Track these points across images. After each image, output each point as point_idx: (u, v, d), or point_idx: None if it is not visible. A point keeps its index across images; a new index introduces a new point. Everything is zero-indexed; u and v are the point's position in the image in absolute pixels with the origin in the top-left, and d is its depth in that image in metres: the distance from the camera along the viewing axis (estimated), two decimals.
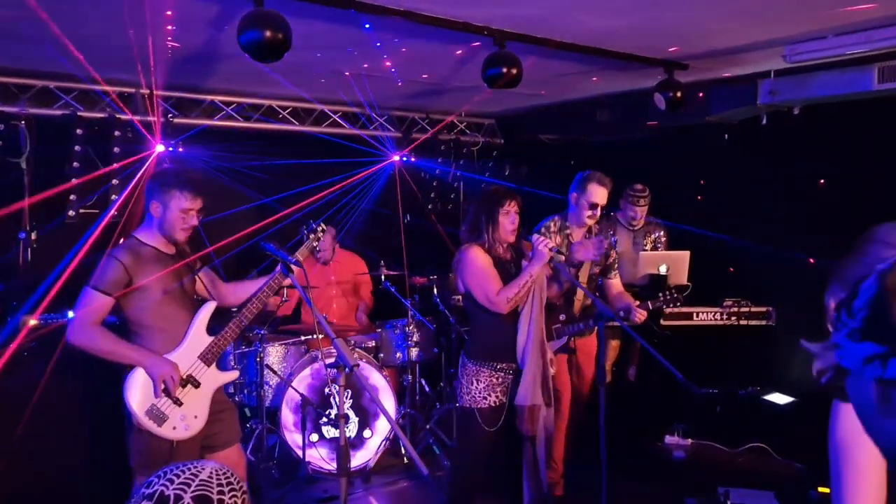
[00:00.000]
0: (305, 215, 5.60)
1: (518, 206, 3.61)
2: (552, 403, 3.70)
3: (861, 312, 1.00)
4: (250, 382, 5.17)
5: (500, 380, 3.59)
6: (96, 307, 3.01)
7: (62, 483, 4.21)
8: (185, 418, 3.09)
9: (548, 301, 4.04)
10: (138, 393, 3.03)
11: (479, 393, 3.57)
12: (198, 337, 3.20)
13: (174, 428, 3.06)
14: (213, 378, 3.23)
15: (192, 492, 1.40)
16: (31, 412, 4.26)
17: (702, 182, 6.07)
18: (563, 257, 3.77)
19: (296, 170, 5.99)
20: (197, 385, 3.15)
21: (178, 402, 3.07)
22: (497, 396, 3.59)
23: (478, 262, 3.56)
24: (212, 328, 3.28)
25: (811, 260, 5.30)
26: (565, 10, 3.57)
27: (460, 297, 6.00)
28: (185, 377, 3.11)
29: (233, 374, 3.43)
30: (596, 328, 4.50)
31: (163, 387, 3.02)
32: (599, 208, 4.18)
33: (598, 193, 4.15)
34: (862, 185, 5.05)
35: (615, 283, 4.45)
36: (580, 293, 4.28)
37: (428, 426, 5.52)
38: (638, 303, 4.21)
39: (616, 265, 4.47)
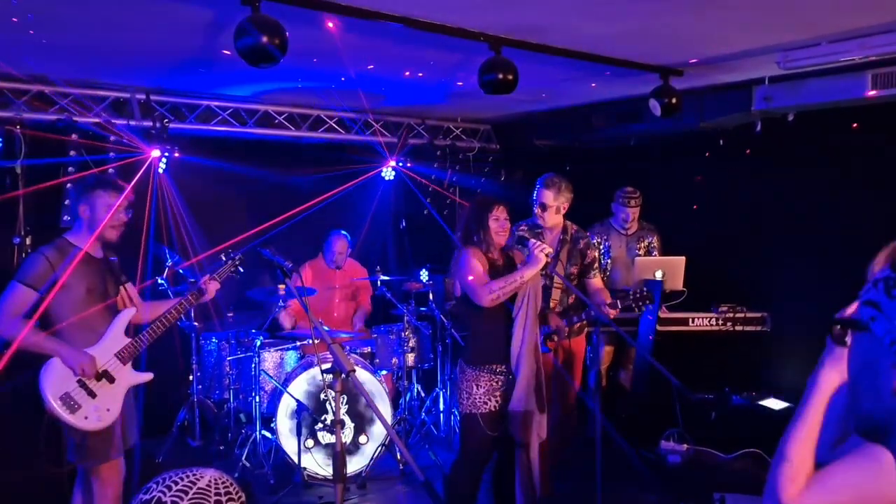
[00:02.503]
0: (304, 219, 5.62)
1: (506, 211, 3.72)
2: (545, 409, 3.71)
3: None
4: (246, 388, 5.16)
5: (499, 383, 3.62)
6: (19, 299, 3.17)
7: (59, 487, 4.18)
8: (99, 409, 3.25)
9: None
10: (52, 379, 3.19)
11: (480, 398, 3.58)
12: (116, 336, 3.38)
13: (86, 418, 3.21)
14: (128, 376, 3.41)
15: (190, 499, 1.39)
16: (22, 418, 4.24)
17: (697, 182, 6.08)
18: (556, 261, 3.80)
19: (291, 175, 6.00)
20: (112, 380, 3.32)
21: (91, 394, 3.23)
22: (497, 400, 3.61)
23: (472, 261, 3.63)
24: (129, 331, 3.46)
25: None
26: (561, 17, 3.59)
27: (454, 303, 6.02)
28: (100, 371, 3.27)
29: (147, 376, 3.52)
30: (585, 331, 4.53)
31: (80, 375, 3.19)
32: (552, 209, 4.30)
33: (544, 195, 4.30)
34: (855, 192, 5.06)
35: (594, 281, 4.48)
36: (556, 294, 4.38)
37: (424, 432, 5.51)
38: (609, 301, 4.23)
39: (596, 265, 4.49)
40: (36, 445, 3.42)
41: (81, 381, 3.23)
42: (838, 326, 1.10)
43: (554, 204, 4.30)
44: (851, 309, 1.13)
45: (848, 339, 1.10)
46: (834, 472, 1.20)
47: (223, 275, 3.73)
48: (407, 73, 4.94)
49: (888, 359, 0.98)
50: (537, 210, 4.36)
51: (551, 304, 4.39)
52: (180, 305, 3.55)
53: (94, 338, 3.34)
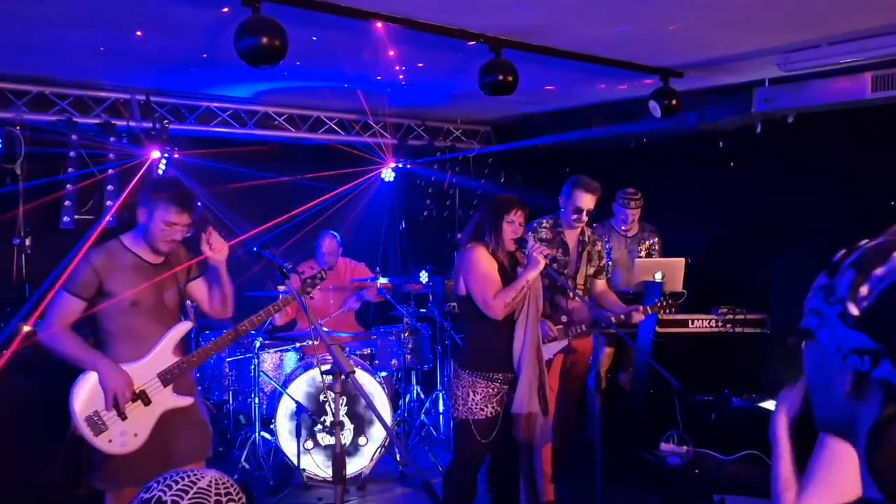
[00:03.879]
0: (304, 221, 5.63)
1: (524, 216, 3.60)
2: (549, 412, 3.67)
3: (866, 301, 0.95)
4: (245, 389, 5.15)
5: (496, 390, 3.55)
6: (64, 309, 2.98)
7: (54, 490, 4.17)
8: (125, 434, 2.99)
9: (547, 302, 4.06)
10: (83, 396, 2.96)
11: (476, 404, 3.52)
12: (163, 354, 3.10)
13: (110, 441, 2.97)
14: (167, 399, 3.10)
15: (190, 499, 1.39)
16: (25, 420, 4.24)
17: (696, 184, 6.08)
18: (555, 265, 3.76)
19: (290, 176, 6.00)
20: (147, 402, 3.04)
21: (122, 416, 2.98)
22: (493, 407, 3.54)
23: (482, 262, 3.52)
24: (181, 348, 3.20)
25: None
26: (561, 19, 3.59)
27: (454, 304, 6.00)
28: (137, 391, 3.01)
29: (186, 400, 3.18)
30: (592, 332, 4.53)
31: (113, 399, 2.94)
32: (585, 213, 4.24)
33: (584, 199, 4.21)
34: (855, 194, 5.06)
35: (600, 282, 4.51)
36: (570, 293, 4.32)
37: (423, 433, 5.51)
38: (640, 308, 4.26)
39: (608, 269, 4.51)
40: (53, 462, 3.16)
41: (115, 403, 2.96)
42: (791, 337, 1.13)
43: (589, 207, 4.23)
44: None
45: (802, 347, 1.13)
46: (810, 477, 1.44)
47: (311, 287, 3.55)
48: (407, 75, 4.94)
49: (836, 364, 1.00)
50: (572, 215, 4.23)
51: (571, 307, 4.35)
52: (267, 311, 3.27)
53: (140, 351, 3.05)
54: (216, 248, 3.14)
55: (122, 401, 2.95)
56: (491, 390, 3.54)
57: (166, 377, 3.08)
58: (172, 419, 3.12)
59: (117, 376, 2.96)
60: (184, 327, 3.19)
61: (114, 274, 3.00)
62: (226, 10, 3.35)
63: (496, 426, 3.55)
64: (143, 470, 3.04)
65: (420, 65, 4.65)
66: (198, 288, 3.30)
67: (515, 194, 3.78)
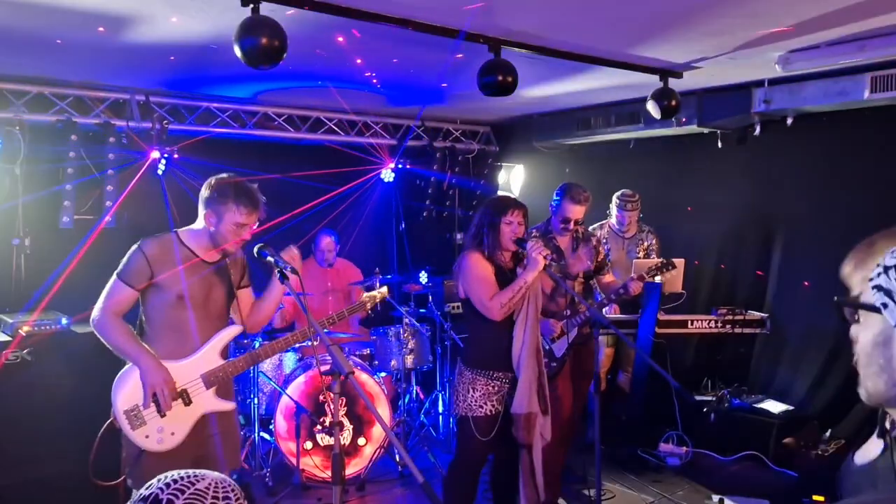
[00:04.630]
0: (303, 221, 5.62)
1: (523, 216, 3.61)
2: (549, 411, 3.68)
3: None
4: (244, 389, 5.15)
5: (496, 388, 3.58)
6: (117, 297, 2.95)
7: (58, 490, 4.16)
8: (162, 431, 2.96)
9: (551, 309, 4.06)
10: (126, 389, 2.94)
11: (476, 401, 3.56)
12: (209, 355, 3.07)
13: (147, 437, 2.95)
14: (208, 402, 3.07)
15: (185, 499, 1.39)
16: (27, 419, 4.23)
17: (695, 185, 6.08)
18: (555, 264, 3.77)
19: (290, 176, 5.99)
20: (188, 402, 3.02)
21: (161, 413, 2.95)
22: (493, 405, 3.57)
23: (477, 267, 3.56)
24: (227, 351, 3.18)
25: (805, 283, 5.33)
26: (560, 18, 3.59)
27: (455, 304, 6.01)
28: (178, 390, 2.99)
29: (229, 405, 3.17)
30: (591, 332, 4.53)
31: (153, 397, 2.93)
32: (573, 223, 4.26)
33: (572, 210, 4.22)
34: (854, 195, 5.07)
35: (607, 277, 4.55)
36: (578, 290, 4.34)
37: (422, 434, 5.51)
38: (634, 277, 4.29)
39: (607, 262, 4.53)
40: (86, 453, 2.99)
41: (155, 397, 2.93)
42: (850, 308, 1.16)
43: (577, 217, 4.25)
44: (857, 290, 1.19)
45: (858, 317, 1.17)
46: None
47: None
48: (407, 75, 4.94)
49: None
50: (560, 224, 4.27)
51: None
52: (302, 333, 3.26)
53: (186, 349, 3.03)
54: (295, 257, 3.14)
55: (161, 399, 2.92)
56: (491, 388, 3.57)
57: (210, 379, 3.06)
58: (211, 423, 3.09)
59: (158, 373, 2.92)
60: (234, 330, 3.16)
61: (167, 266, 2.97)
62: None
63: (495, 425, 3.57)
64: (178, 468, 3.06)
65: (418, 65, 4.65)
66: (242, 297, 3.28)
67: (511, 196, 3.79)
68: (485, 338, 3.63)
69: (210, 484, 1.43)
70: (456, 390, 3.66)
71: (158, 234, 3.06)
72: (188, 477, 1.44)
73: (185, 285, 2.98)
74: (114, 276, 2.98)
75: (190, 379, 3.03)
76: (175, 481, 1.42)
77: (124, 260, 2.98)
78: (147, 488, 1.43)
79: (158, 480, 1.44)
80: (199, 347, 3.06)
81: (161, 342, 3.02)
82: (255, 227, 3.10)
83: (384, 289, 4.07)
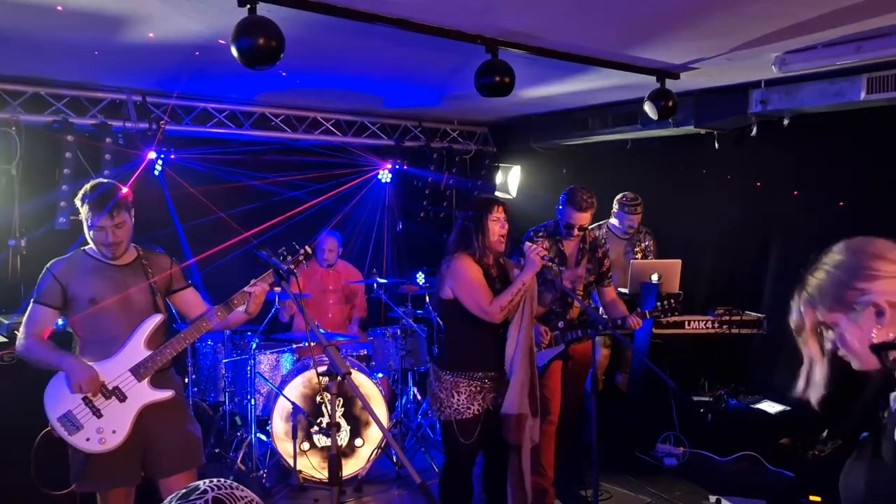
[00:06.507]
0: (300, 221, 5.63)
1: (505, 212, 3.62)
2: (539, 413, 3.66)
3: None
4: (241, 390, 5.15)
5: (478, 388, 3.56)
6: (37, 319, 3.06)
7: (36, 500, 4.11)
8: (102, 431, 2.99)
9: (545, 308, 4.05)
10: (56, 396, 2.99)
11: (462, 404, 3.53)
12: (133, 349, 3.09)
13: (87, 440, 2.98)
14: (143, 394, 3.08)
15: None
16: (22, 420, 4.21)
17: (693, 185, 6.09)
18: (554, 266, 3.77)
19: (288, 177, 5.99)
20: (122, 399, 3.04)
21: (97, 414, 2.99)
22: (478, 405, 3.55)
23: (470, 272, 3.53)
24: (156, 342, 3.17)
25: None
26: (558, 19, 3.59)
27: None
28: (109, 388, 3.02)
29: (166, 394, 3.14)
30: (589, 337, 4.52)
31: (78, 392, 2.95)
32: (577, 229, 4.24)
33: (576, 217, 4.20)
34: (852, 195, 5.07)
35: (608, 290, 4.47)
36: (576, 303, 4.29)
37: (420, 434, 5.50)
38: (637, 311, 4.24)
39: (610, 273, 4.49)
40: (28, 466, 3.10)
41: (87, 399, 2.98)
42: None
43: (583, 224, 4.23)
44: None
45: None
46: None
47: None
48: (404, 76, 4.94)
49: None
50: (565, 229, 4.25)
51: (573, 313, 4.33)
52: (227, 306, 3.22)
53: (111, 350, 3.07)
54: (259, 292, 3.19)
55: (88, 394, 2.96)
56: (474, 388, 3.55)
57: (139, 371, 3.08)
58: (154, 416, 3.11)
59: (80, 371, 2.97)
60: (153, 320, 3.15)
61: (75, 277, 3.06)
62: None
63: (480, 424, 3.55)
64: (129, 470, 3.09)
65: (417, 65, 4.65)
66: (183, 299, 3.32)
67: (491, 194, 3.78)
68: (462, 338, 3.60)
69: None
70: (437, 397, 3.59)
71: (67, 255, 3.15)
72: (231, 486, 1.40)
73: (96, 289, 3.06)
74: (31, 303, 3.07)
75: (118, 374, 3.06)
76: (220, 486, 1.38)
77: (36, 284, 3.08)
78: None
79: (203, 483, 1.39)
80: (124, 345, 3.09)
81: (89, 349, 3.08)
82: (115, 231, 3.03)
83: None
